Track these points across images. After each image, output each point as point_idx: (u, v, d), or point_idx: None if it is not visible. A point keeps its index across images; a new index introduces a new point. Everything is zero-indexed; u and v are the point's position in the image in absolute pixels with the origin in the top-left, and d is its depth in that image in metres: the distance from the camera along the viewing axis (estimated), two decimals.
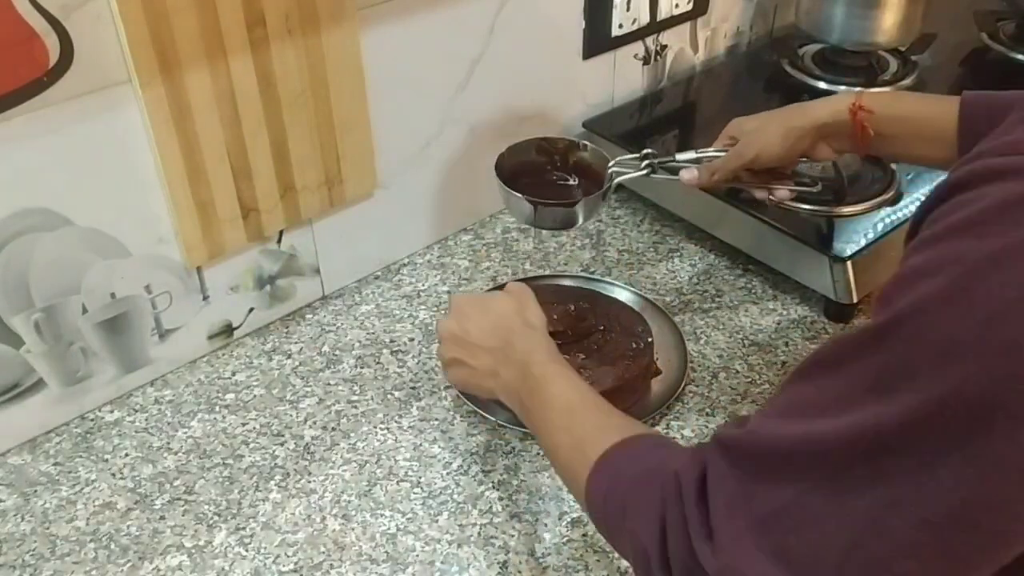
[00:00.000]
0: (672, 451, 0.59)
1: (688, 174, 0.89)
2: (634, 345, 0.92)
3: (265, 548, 0.79)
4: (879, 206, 1.03)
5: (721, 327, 1.01)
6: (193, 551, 0.79)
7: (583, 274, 1.09)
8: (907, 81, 1.30)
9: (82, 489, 0.85)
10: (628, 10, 1.19)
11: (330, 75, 0.92)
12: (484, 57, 1.07)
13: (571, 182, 0.96)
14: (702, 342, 0.99)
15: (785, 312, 1.03)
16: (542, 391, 0.70)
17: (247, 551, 0.79)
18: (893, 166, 1.08)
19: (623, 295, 1.03)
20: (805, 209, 1.03)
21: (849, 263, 0.97)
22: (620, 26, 1.19)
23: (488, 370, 0.75)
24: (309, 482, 0.85)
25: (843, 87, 1.29)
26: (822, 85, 1.30)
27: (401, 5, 0.96)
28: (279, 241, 0.99)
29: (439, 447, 0.88)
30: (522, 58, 1.11)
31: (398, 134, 1.03)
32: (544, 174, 0.96)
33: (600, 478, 0.60)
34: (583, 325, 0.94)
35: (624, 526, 0.56)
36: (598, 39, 1.19)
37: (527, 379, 0.71)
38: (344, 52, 0.92)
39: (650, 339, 0.94)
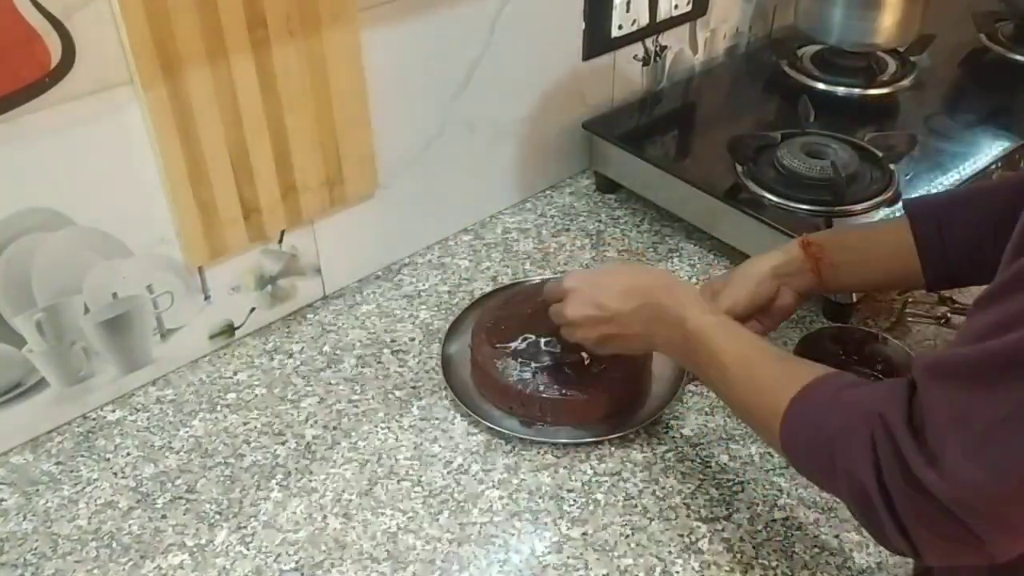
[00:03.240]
0: (864, 389, 0.60)
1: None
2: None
3: (266, 547, 0.79)
4: (877, 206, 1.04)
5: None
6: (195, 550, 0.79)
7: None
8: (905, 82, 1.30)
9: (84, 488, 0.85)
10: (628, 11, 1.19)
11: (331, 76, 0.92)
12: (484, 58, 1.07)
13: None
14: None
15: None
16: (708, 346, 0.72)
17: (248, 550, 0.79)
18: (892, 166, 1.09)
19: None
20: (804, 209, 1.04)
21: None
22: (620, 27, 1.20)
23: (644, 333, 0.79)
24: (310, 481, 0.85)
25: (841, 88, 1.30)
26: (820, 86, 1.30)
27: (402, 6, 0.96)
28: (280, 241, 1.00)
29: (439, 446, 0.88)
30: (522, 59, 1.12)
31: (399, 134, 1.04)
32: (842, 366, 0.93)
33: (796, 427, 0.62)
34: None
35: (835, 469, 0.58)
36: (598, 40, 1.19)
37: (687, 337, 0.74)
38: (345, 53, 0.92)
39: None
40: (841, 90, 1.30)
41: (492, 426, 0.88)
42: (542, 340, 0.91)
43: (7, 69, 0.73)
